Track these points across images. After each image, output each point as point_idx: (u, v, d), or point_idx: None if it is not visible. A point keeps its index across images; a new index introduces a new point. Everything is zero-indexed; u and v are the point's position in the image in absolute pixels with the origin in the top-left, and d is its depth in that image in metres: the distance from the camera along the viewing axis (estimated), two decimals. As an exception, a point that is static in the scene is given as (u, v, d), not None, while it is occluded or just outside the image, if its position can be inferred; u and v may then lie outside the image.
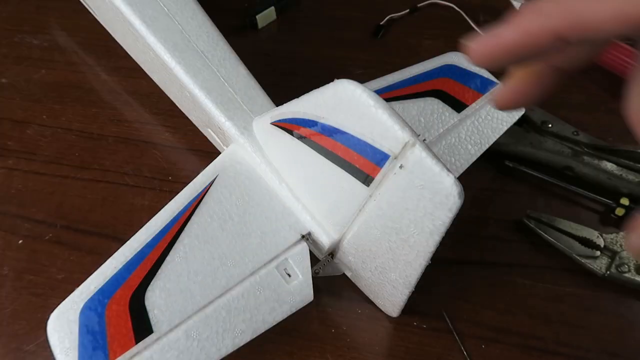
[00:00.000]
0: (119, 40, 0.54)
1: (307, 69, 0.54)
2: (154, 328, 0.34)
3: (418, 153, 0.30)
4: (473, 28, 0.57)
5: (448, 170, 0.30)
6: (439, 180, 0.30)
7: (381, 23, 0.58)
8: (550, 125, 0.47)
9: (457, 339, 0.39)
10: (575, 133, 0.47)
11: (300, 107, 0.36)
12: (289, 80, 0.53)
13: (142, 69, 0.52)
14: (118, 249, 0.36)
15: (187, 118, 0.49)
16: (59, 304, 0.35)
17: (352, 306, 0.41)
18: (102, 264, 0.36)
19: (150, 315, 0.34)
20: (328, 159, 0.34)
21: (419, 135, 0.31)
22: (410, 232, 0.33)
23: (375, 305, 0.40)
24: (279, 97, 0.41)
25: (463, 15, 0.58)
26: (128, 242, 0.36)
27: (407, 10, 0.59)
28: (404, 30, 0.58)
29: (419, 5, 0.59)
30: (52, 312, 0.34)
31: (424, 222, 0.32)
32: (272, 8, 0.58)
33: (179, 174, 0.47)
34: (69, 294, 0.35)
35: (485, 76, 0.46)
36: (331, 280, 0.41)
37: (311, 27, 0.58)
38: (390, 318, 0.40)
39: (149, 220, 0.37)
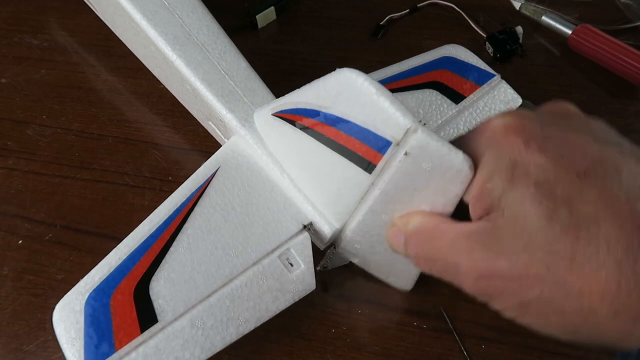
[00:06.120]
0: (119, 35, 0.54)
1: (307, 69, 0.54)
2: (158, 317, 0.34)
3: (422, 138, 0.30)
4: (473, 28, 0.57)
5: (456, 148, 0.30)
6: (448, 159, 0.30)
7: (381, 23, 0.58)
8: (550, 125, 0.47)
9: (457, 339, 0.39)
10: (575, 133, 0.47)
11: (301, 97, 0.36)
12: (289, 80, 0.52)
13: (142, 69, 0.52)
14: (118, 248, 0.36)
15: (187, 118, 0.49)
16: (59, 304, 0.35)
17: (352, 306, 0.41)
18: (103, 262, 0.36)
19: (155, 304, 0.34)
20: (330, 148, 0.34)
21: (420, 120, 0.31)
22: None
23: (375, 305, 0.40)
24: (279, 97, 0.41)
25: (463, 15, 0.58)
26: (131, 233, 0.36)
27: (407, 10, 0.59)
28: (404, 30, 0.58)
29: (419, 5, 0.59)
30: (52, 312, 0.34)
31: (435, 198, 0.32)
32: (272, 8, 0.58)
33: (179, 174, 0.47)
34: (69, 294, 0.35)
35: (483, 68, 0.46)
36: (331, 280, 0.41)
37: (311, 27, 0.58)
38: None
39: (149, 219, 0.37)
